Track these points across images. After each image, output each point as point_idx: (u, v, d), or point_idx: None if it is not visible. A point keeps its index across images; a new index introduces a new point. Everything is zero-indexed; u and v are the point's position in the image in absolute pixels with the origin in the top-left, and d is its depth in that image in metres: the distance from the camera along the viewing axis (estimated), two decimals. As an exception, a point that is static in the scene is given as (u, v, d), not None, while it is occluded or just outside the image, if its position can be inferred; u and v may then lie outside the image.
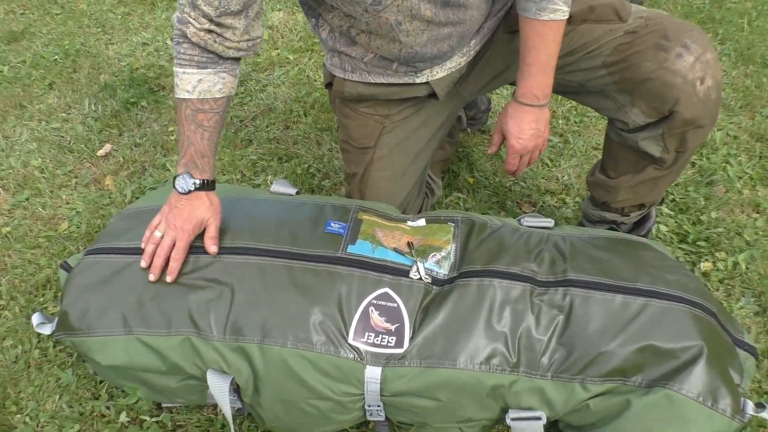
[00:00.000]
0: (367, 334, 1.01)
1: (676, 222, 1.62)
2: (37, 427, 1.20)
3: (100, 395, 1.24)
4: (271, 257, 1.08)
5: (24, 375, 1.29)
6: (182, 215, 1.09)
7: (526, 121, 1.17)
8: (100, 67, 2.37)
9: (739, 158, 1.84)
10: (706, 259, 1.52)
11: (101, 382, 1.26)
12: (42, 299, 1.45)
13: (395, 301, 1.04)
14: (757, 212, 1.67)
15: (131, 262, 1.11)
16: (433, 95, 1.28)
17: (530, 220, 1.21)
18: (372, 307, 1.03)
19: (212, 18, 1.02)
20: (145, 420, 1.19)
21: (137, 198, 1.70)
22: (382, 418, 1.08)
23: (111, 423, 1.20)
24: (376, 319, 1.03)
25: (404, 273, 1.07)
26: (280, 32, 2.53)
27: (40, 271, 1.52)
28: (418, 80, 1.23)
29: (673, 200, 1.69)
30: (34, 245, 1.60)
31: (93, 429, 1.19)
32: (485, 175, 1.77)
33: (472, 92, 1.36)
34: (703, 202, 1.67)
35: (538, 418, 1.01)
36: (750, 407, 1.00)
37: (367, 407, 1.05)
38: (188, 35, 1.04)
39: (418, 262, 1.08)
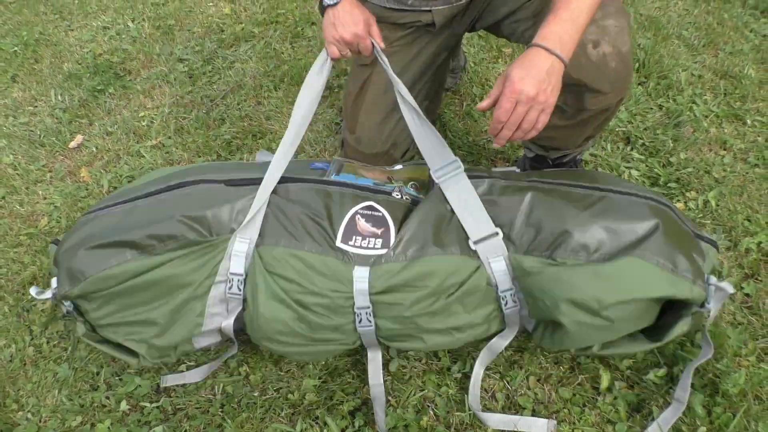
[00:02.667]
0: (354, 237, 1.11)
1: (646, 166, 1.66)
2: (40, 422, 1.23)
3: (98, 386, 1.27)
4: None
5: (21, 373, 1.31)
6: (346, 21, 1.16)
7: (538, 67, 1.00)
8: (62, 55, 2.33)
9: (705, 97, 1.87)
10: (678, 200, 1.56)
11: (98, 373, 1.29)
12: (30, 297, 1.46)
13: (380, 211, 1.14)
14: (724, 149, 1.71)
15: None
16: (430, 24, 1.34)
17: (499, 169, 1.31)
18: (359, 215, 1.13)
19: None
20: (146, 406, 1.23)
21: (115, 188, 1.70)
22: (371, 325, 1.12)
23: (112, 412, 1.23)
24: (363, 225, 1.12)
25: (387, 194, 1.18)
26: (243, 5, 2.50)
27: (24, 269, 1.53)
28: (423, 8, 1.30)
29: (643, 144, 1.72)
30: (15, 243, 1.60)
31: (95, 419, 1.22)
32: (458, 135, 1.79)
33: (464, 24, 1.40)
34: (671, 144, 1.71)
35: (496, 234, 1.10)
36: (713, 279, 1.05)
37: (356, 310, 1.10)
38: None
39: (399, 187, 1.20)
